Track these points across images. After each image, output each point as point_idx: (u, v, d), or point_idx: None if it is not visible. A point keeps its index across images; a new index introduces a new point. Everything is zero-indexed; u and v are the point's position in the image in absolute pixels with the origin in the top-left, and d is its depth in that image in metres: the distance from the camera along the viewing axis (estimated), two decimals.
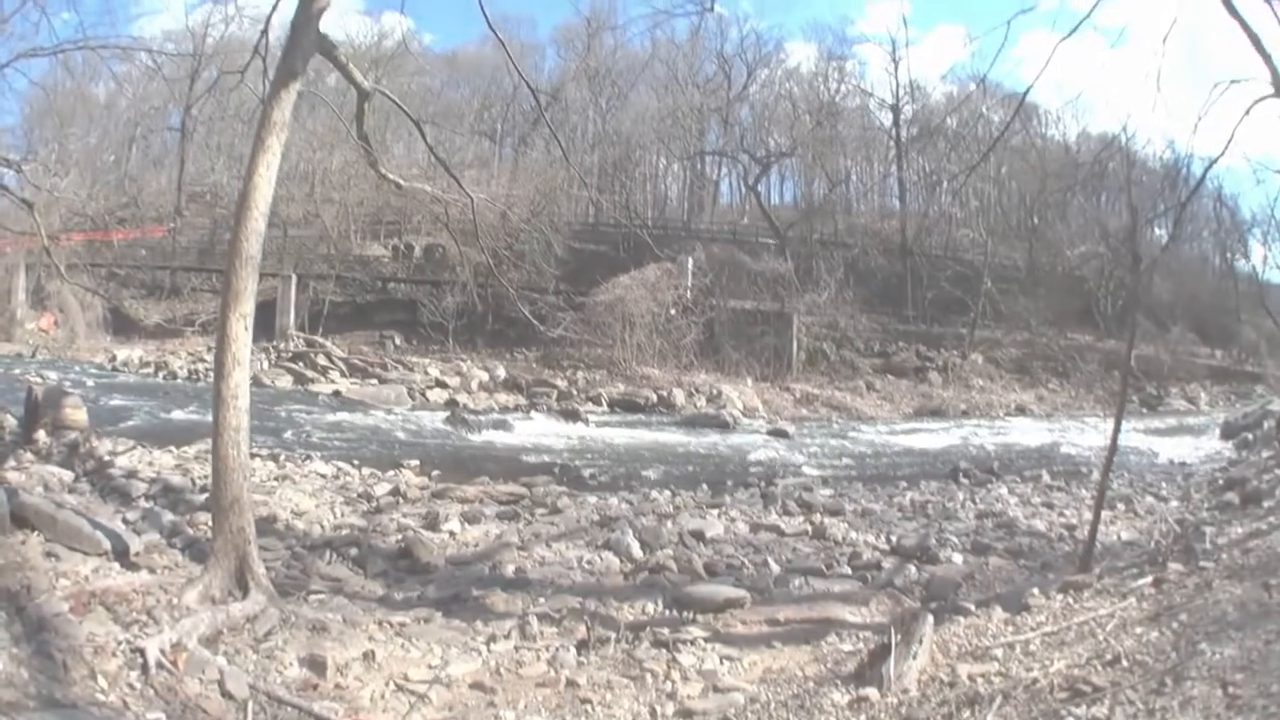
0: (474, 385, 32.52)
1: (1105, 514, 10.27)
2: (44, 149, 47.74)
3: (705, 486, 15.93)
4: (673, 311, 37.54)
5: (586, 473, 17.54)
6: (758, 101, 55.67)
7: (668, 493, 15.01)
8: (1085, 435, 25.66)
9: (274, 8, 12.55)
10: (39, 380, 21.98)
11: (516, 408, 29.17)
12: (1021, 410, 30.76)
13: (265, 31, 12.69)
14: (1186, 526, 11.16)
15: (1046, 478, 17.74)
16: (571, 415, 27.22)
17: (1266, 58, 8.73)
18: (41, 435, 13.47)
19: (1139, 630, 5.14)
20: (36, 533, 7.59)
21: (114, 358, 34.06)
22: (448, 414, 25.37)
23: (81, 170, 46.03)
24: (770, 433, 25.60)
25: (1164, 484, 16.94)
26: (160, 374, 31.74)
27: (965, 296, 38.85)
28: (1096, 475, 14.61)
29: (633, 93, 57.55)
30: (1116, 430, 9.91)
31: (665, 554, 10.18)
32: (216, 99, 43.28)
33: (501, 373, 34.03)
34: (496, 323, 36.51)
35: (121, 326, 40.54)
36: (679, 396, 30.76)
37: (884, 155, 54.91)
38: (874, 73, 71.68)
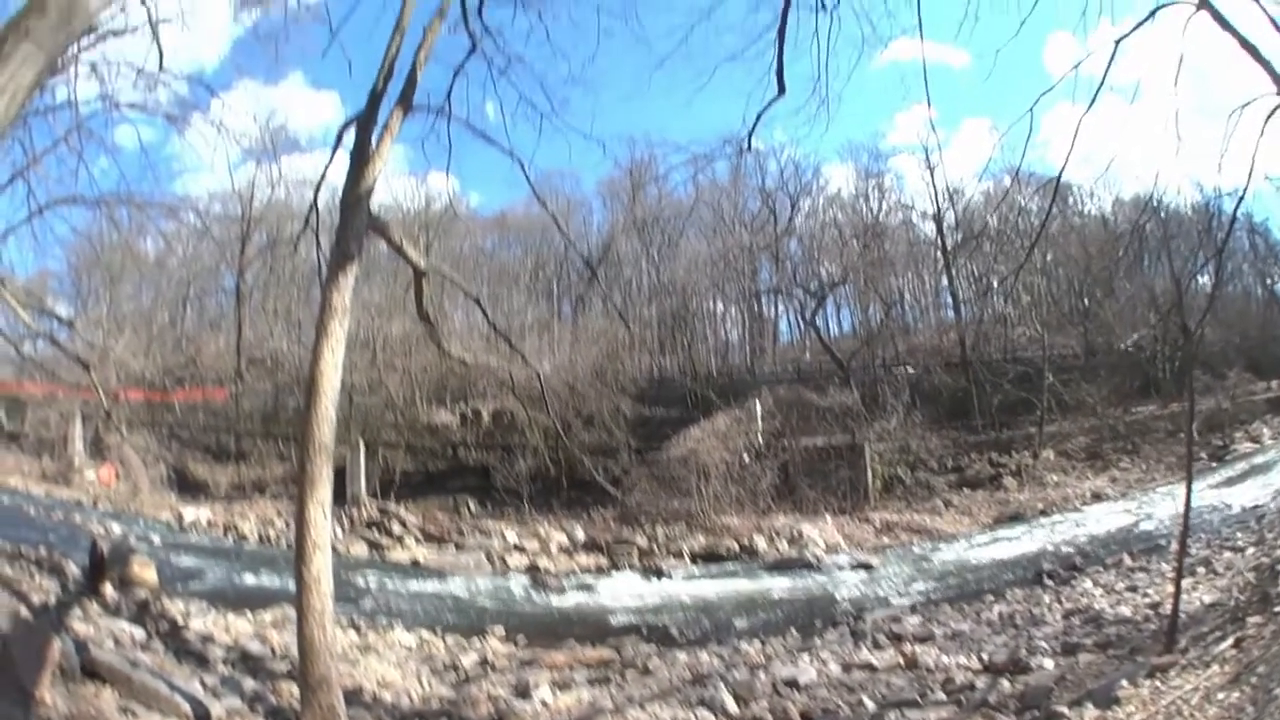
0: (553, 548, 32.40)
1: (1186, 581, 10.18)
2: (94, 303, 49.53)
3: (794, 631, 15.90)
4: (746, 458, 37.27)
5: (674, 629, 17.56)
6: (805, 232, 56.36)
7: (757, 642, 15.03)
8: (1161, 506, 25.13)
9: (320, 180, 13.77)
10: (102, 532, 22.52)
11: (598, 568, 29.06)
12: (1098, 497, 29.91)
13: (315, 205, 13.82)
14: (1262, 572, 11.00)
15: (1128, 560, 17.57)
16: (654, 572, 27.24)
17: (1266, 64, 9.07)
18: (109, 590, 13.63)
19: (1220, 696, 5.24)
20: (110, 688, 7.75)
21: (181, 517, 33.79)
22: (529, 578, 25.60)
23: (136, 328, 47.18)
24: (854, 567, 25.26)
25: (1239, 534, 16.66)
26: (229, 536, 31.58)
27: (1029, 395, 38.37)
28: (1175, 546, 14.42)
29: (682, 239, 58.67)
30: (1188, 500, 9.97)
31: (760, 706, 10.23)
32: (269, 263, 44.63)
33: (580, 534, 33.91)
34: (571, 484, 36.50)
35: (187, 485, 40.49)
36: (760, 542, 30.46)
37: (932, 267, 55.15)
38: (912, 183, 73.50)
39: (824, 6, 10.91)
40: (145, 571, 14.84)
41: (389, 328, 45.39)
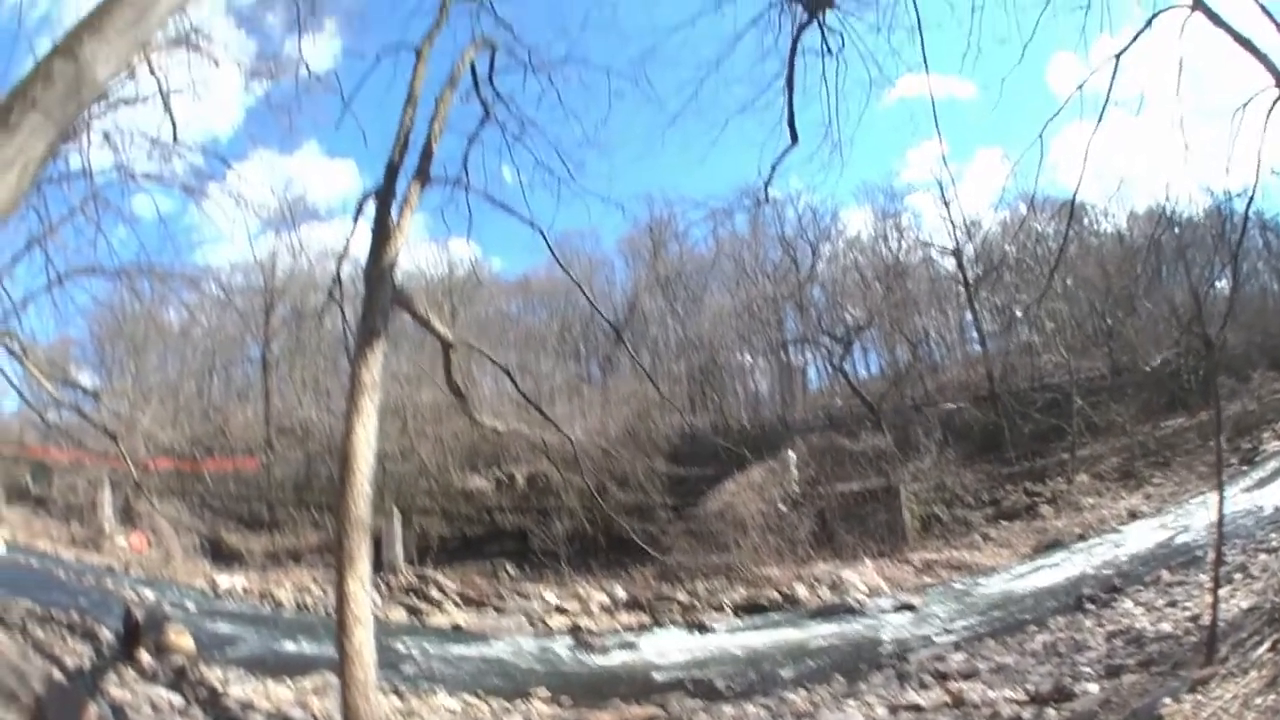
0: (594, 607, 32.32)
1: (1224, 589, 10.17)
2: (119, 372, 49.28)
3: (840, 677, 15.82)
4: (782, 508, 37.36)
5: (719, 683, 17.49)
6: (827, 278, 56.66)
7: (803, 690, 14.98)
8: (1196, 517, 24.65)
9: (342, 253, 13.99)
10: (135, 598, 22.60)
11: (640, 626, 28.91)
12: (1133, 515, 29.51)
13: (337, 277, 14.04)
14: None
15: (1166, 575, 17.44)
16: (697, 626, 27.15)
17: (1263, 59, 9.17)
18: (144, 656, 13.66)
19: (1259, 700, 5.27)
20: None
21: (215, 584, 33.99)
22: (571, 639, 25.59)
23: (162, 398, 47.44)
24: (896, 608, 25.04)
25: (1274, 535, 16.50)
26: (266, 603, 31.62)
27: (1060, 421, 38.11)
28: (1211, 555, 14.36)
29: (706, 294, 59.04)
30: (1220, 511, 9.94)
31: None
32: (295, 333, 44.84)
33: (621, 592, 33.82)
34: (610, 543, 36.33)
35: (220, 553, 40.49)
36: (801, 591, 30.23)
37: (955, 302, 55.12)
38: (929, 219, 73.56)
39: (829, 51, 11.15)
40: (181, 638, 14.98)
41: (419, 395, 45.50)
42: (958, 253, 51.70)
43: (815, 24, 11.01)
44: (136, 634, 14.21)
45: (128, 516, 39.89)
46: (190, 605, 27.41)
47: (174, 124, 18.75)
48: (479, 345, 41.07)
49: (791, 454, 41.03)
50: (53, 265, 19.33)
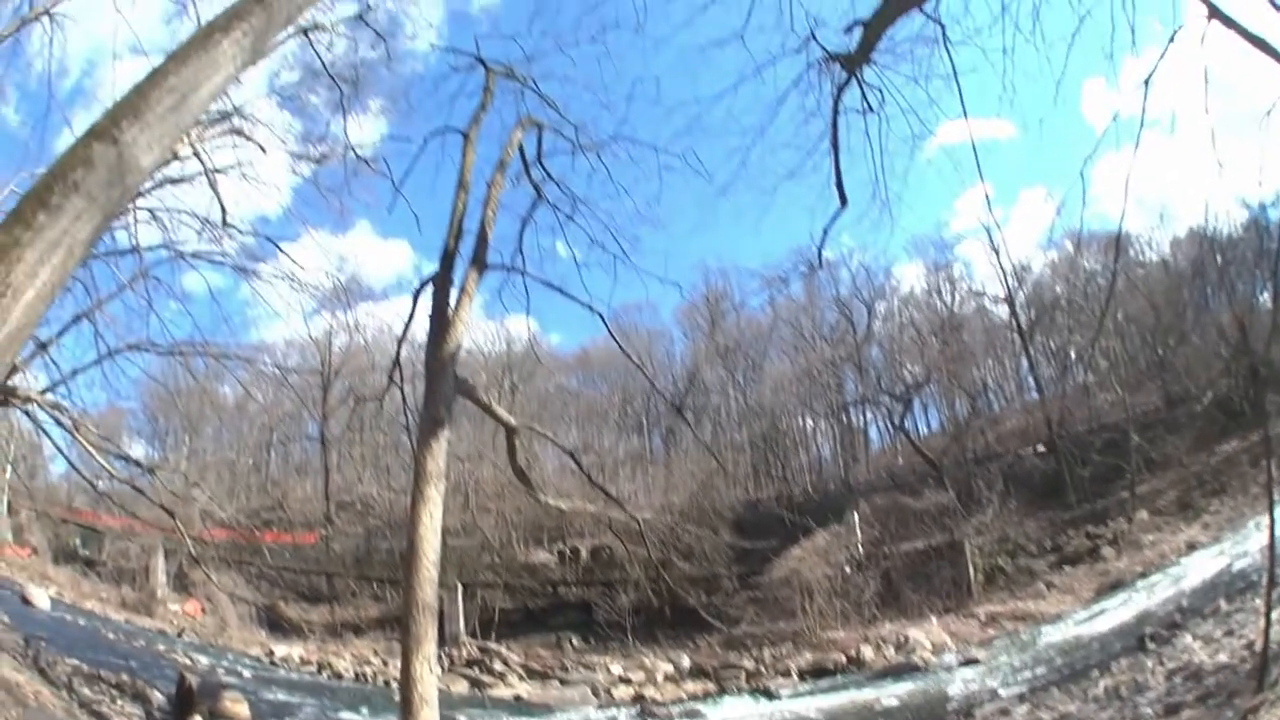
0: (659, 677, 32.31)
1: (1276, 613, 9.97)
2: (173, 444, 50.02)
3: None
4: (847, 570, 37.22)
5: None
6: (884, 336, 56.91)
7: None
8: (1253, 540, 23.84)
9: (401, 339, 14.12)
10: (188, 663, 22.63)
11: (706, 694, 28.74)
12: (1192, 546, 28.61)
13: (397, 361, 14.21)
14: None
15: (1224, 604, 17.04)
16: (763, 692, 27.01)
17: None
18: None
19: None
20: None
21: (272, 653, 33.97)
22: (636, 708, 25.52)
23: (219, 471, 47.91)
24: (962, 664, 24.63)
25: None
26: (324, 673, 31.47)
27: (1118, 460, 37.33)
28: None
29: (765, 361, 59.75)
30: (1272, 533, 9.78)
31: None
32: (354, 410, 44.85)
33: (686, 661, 33.72)
34: (675, 613, 35.92)
35: (277, 624, 40.78)
36: (867, 652, 29.81)
37: (1011, 350, 54.82)
38: (980, 266, 72.42)
39: (870, 108, 11.11)
40: (237, 706, 14.97)
41: (480, 471, 46.12)
42: (1010, 300, 51.55)
43: (854, 82, 10.95)
44: (190, 699, 14.25)
45: (181, 584, 40.52)
46: (245, 672, 27.45)
47: (223, 208, 18.58)
48: (541, 428, 41.68)
49: (855, 515, 41.01)
50: (102, 339, 19.05)
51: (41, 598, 31.00)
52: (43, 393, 18.07)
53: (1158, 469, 37.26)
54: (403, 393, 14.20)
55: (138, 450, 45.72)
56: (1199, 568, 25.42)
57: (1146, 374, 46.22)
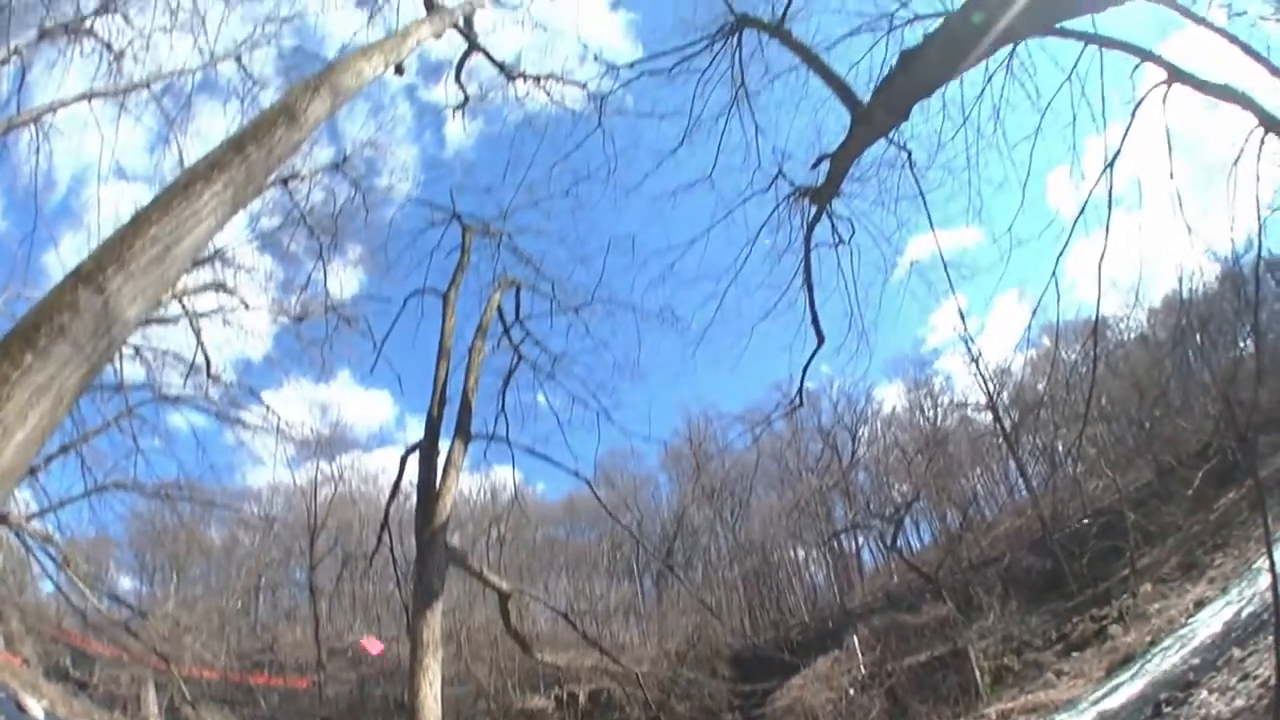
0: None
1: None
2: (160, 579, 48.81)
3: None
4: (851, 692, 36.37)
5: None
6: (869, 460, 56.47)
7: None
8: (1260, 582, 22.72)
9: (389, 502, 13.92)
10: None
11: None
12: (1199, 604, 27.46)
13: (385, 523, 13.99)
14: None
15: (1237, 652, 16.21)
16: None
17: (1243, 100, 8.95)
18: None
19: None
20: None
21: None
22: None
23: (207, 611, 46.04)
24: None
25: None
26: None
27: (1116, 541, 36.32)
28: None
29: (752, 497, 58.92)
30: (1274, 573, 9.45)
31: None
32: (341, 557, 44.35)
33: None
34: None
35: None
36: None
37: (999, 453, 54.13)
38: (960, 377, 73.29)
39: (841, 239, 11.25)
40: None
41: (472, 619, 45.45)
42: (993, 407, 51.44)
43: (824, 215, 11.09)
44: None
45: (174, 717, 39.31)
46: None
47: (207, 359, 19.27)
48: (531, 587, 41.35)
49: (855, 638, 40.29)
50: (89, 472, 19.25)
51: (36, 708, 29.89)
52: (30, 518, 17.81)
53: (1157, 539, 36.40)
54: (392, 553, 14.23)
55: (125, 583, 46.25)
56: (1208, 623, 24.53)
57: (1136, 451, 45.65)
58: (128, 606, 20.98)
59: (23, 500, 18.40)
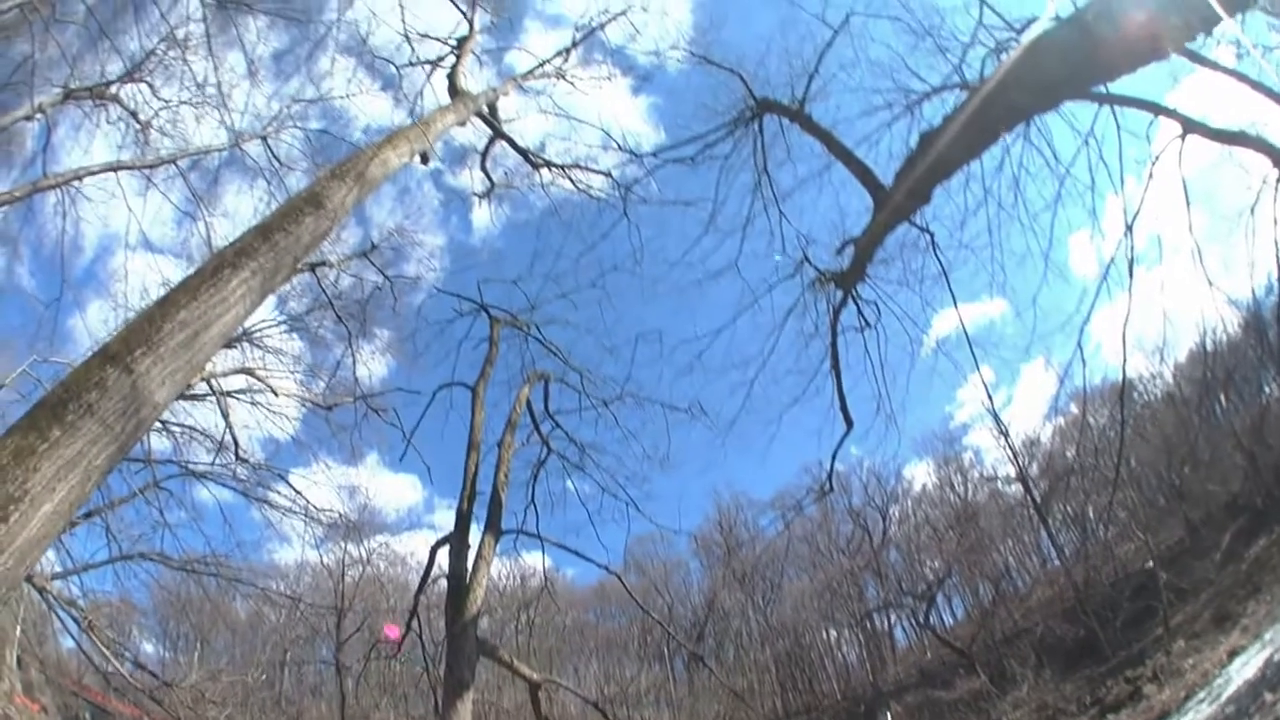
0: None
1: None
2: (184, 647, 48.29)
3: None
4: None
5: None
6: (901, 538, 55.72)
7: None
8: None
9: (417, 595, 14.00)
10: None
11: None
12: (1233, 654, 26.33)
13: (415, 612, 13.94)
14: None
15: (1269, 696, 15.54)
16: None
17: (1258, 143, 8.94)
18: None
19: None
20: None
21: None
22: None
23: (232, 683, 45.46)
24: None
25: None
26: None
27: (1149, 601, 35.16)
28: None
29: (783, 579, 58.28)
30: None
31: None
32: (368, 639, 43.30)
33: None
34: None
35: None
36: None
37: (1030, 524, 52.50)
38: (989, 450, 72.01)
39: (867, 324, 11.26)
40: None
41: (500, 701, 44.85)
42: (1023, 479, 50.27)
43: (850, 300, 11.07)
44: None
45: None
46: None
47: (235, 440, 19.22)
48: (561, 676, 40.65)
49: (889, 716, 40.08)
50: (115, 540, 19.14)
51: None
52: (53, 578, 17.83)
53: (1189, 596, 35.26)
54: (420, 637, 14.25)
55: (148, 648, 45.23)
56: (1241, 671, 23.39)
57: (1166, 509, 44.41)
58: (151, 674, 20.56)
59: (46, 560, 18.43)
